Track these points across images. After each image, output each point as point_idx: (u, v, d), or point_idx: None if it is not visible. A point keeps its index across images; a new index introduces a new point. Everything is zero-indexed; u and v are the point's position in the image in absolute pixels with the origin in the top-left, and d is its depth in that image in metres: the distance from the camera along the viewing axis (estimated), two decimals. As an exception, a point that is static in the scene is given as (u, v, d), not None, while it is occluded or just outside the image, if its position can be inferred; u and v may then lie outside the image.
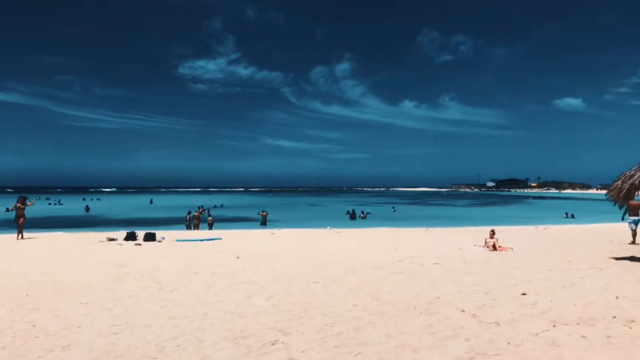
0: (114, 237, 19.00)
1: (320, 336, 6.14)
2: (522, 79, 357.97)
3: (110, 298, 8.45)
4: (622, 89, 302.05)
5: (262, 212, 37.06)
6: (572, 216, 42.07)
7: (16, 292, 8.91)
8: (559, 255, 13.56)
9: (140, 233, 19.32)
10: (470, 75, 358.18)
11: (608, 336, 5.88)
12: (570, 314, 7.02)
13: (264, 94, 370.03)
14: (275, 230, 22.88)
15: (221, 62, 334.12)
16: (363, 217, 40.96)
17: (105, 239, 18.35)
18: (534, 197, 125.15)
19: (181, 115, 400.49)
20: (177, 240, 18.36)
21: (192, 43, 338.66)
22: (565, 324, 6.46)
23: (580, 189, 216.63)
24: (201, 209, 35.24)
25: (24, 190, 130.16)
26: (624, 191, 12.29)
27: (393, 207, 58.63)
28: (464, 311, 7.29)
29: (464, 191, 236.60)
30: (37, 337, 6.27)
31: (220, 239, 18.93)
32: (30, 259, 13.38)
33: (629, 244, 16.46)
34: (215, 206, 60.27)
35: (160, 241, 18.25)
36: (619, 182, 12.46)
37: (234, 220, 39.45)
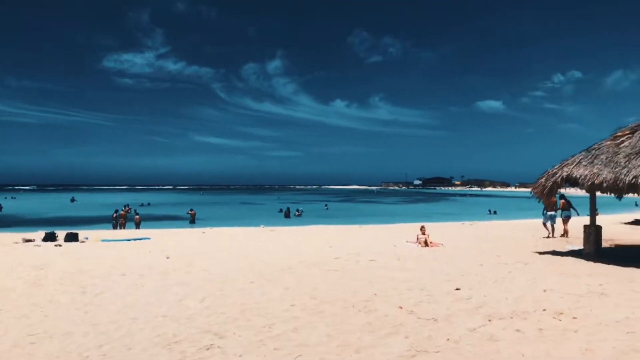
0: (31, 237, 17.69)
1: (258, 338, 5.90)
2: (447, 81, 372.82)
3: (27, 304, 7.77)
4: (538, 93, 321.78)
5: (191, 210, 36.11)
6: (495, 212, 44.16)
7: None
8: (487, 250, 14.05)
9: (61, 233, 18.13)
10: (399, 76, 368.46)
11: (540, 329, 6.05)
12: (503, 308, 7.21)
13: (194, 90, 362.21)
14: (207, 229, 22.28)
15: (149, 56, 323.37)
16: (298, 215, 40.89)
17: (21, 240, 17.06)
18: (458, 195, 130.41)
19: (106, 110, 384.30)
20: (102, 241, 17.40)
21: (118, 35, 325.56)
22: (499, 318, 6.60)
23: (501, 187, 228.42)
24: (127, 208, 33.79)
25: None
26: (547, 188, 12.89)
27: (326, 205, 58.97)
28: (401, 308, 7.30)
29: (393, 189, 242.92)
30: (-61, 351, 5.61)
31: (148, 238, 18.15)
32: None
33: (545, 237, 17.50)
34: (142, 204, 58.05)
35: (83, 241, 17.21)
36: (543, 180, 13.06)
37: (162, 219, 38.15)
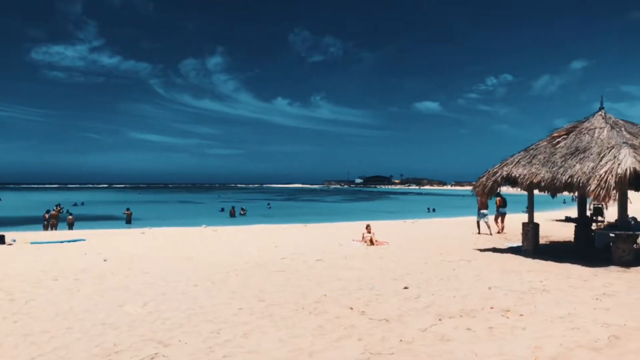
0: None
1: (207, 345, 5.62)
2: (386, 82, 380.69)
3: (-54, 315, 7.08)
4: (472, 95, 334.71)
5: (127, 210, 34.76)
6: (434, 210, 45.31)
7: None
8: (430, 248, 14.27)
9: (-15, 235, 16.85)
10: (340, 76, 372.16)
11: (490, 327, 6.12)
12: (452, 306, 7.26)
13: (130, 85, 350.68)
14: (146, 230, 21.43)
15: (81, 49, 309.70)
16: (243, 214, 40.23)
17: (-62, 244, 15.73)
18: (398, 193, 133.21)
19: (35, 104, 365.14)
20: (32, 243, 16.31)
21: (48, 26, 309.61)
22: (450, 317, 6.64)
23: (438, 186, 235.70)
24: (59, 207, 32.04)
25: None
26: (488, 187, 13.23)
27: (269, 204, 58.53)
28: (352, 309, 7.20)
29: (335, 187, 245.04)
30: None
31: (83, 240, 17.21)
32: None
33: (477, 234, 18.34)
34: (75, 204, 55.30)
35: (10, 244, 16.05)
36: (484, 179, 13.39)
37: (97, 219, 36.46)
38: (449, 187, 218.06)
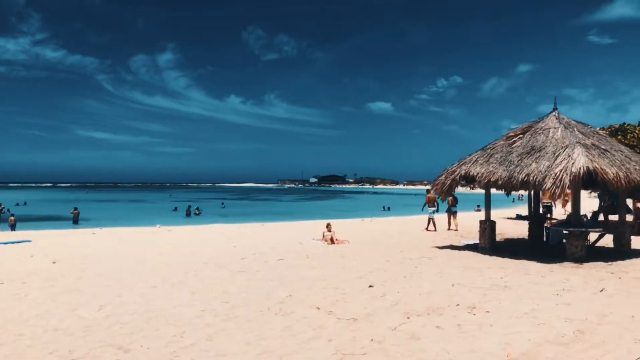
0: None
1: (170, 350, 5.35)
2: (340, 82, 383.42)
3: None
4: (423, 96, 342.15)
5: (75, 209, 33.38)
6: (389, 209, 45.87)
7: None
8: (390, 245, 14.34)
9: None
10: (294, 75, 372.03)
11: (459, 324, 6.12)
12: (419, 304, 7.25)
13: (77, 81, 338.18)
14: (97, 230, 20.60)
15: (24, 42, 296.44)
16: (198, 214, 39.38)
17: None
18: (353, 192, 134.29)
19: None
20: (-29, 245, 15.35)
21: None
22: (417, 315, 6.61)
23: (391, 185, 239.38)
24: (0, 207, 30.43)
25: None
26: (447, 186, 13.40)
27: (222, 203, 57.63)
28: (319, 308, 7.07)
29: (290, 186, 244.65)
30: None
31: (29, 241, 16.34)
32: None
33: (422, 230, 19.09)
34: (17, 204, 52.64)
35: (-53, 246, 15.06)
36: (443, 177, 13.56)
37: (41, 220, 34.82)
38: (401, 186, 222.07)
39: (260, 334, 5.88)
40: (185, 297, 7.90)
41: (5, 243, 15.77)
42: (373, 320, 6.38)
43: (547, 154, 11.71)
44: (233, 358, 5.10)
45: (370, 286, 8.57)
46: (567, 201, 22.27)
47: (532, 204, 15.67)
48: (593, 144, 11.76)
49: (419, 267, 10.54)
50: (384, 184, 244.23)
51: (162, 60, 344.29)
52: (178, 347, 5.43)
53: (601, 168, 10.79)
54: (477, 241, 14.06)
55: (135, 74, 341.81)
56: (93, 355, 5.23)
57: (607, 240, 13.53)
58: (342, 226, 19.86)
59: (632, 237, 13.20)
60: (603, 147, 11.87)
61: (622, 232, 12.71)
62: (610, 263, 10.86)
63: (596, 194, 23.92)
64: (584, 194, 15.00)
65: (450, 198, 19.10)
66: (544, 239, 14.74)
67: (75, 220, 32.08)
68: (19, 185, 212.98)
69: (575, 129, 12.37)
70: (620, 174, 11.00)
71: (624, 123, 20.00)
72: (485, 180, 12.47)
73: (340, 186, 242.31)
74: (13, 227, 26.03)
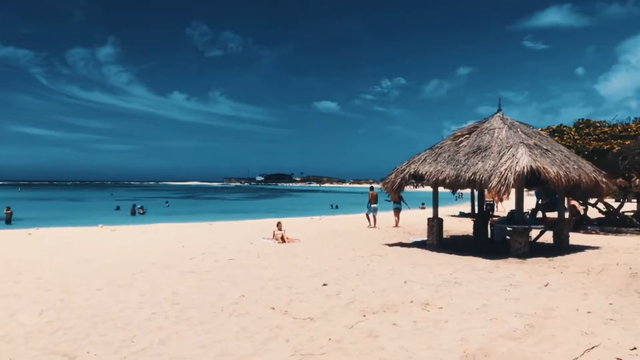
0: None
1: (120, 356, 5.10)
2: (286, 80, 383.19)
3: None
4: (368, 96, 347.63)
5: (7, 209, 31.55)
6: (337, 207, 46.14)
7: None
8: (341, 243, 14.40)
9: None
10: (239, 72, 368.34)
11: (414, 321, 6.19)
12: (374, 301, 7.28)
13: (9, 74, 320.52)
14: (33, 230, 19.51)
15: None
16: (142, 213, 38.09)
17: None
18: (300, 191, 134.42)
19: None
20: None
21: None
22: (373, 313, 6.63)
23: (337, 183, 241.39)
24: None
25: None
26: (397, 184, 13.60)
27: (167, 202, 56.16)
28: (274, 308, 6.97)
29: (236, 185, 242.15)
30: None
31: (-43, 243, 15.26)
32: None
33: (368, 227, 19.48)
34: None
35: None
36: (393, 176, 13.75)
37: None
38: (348, 184, 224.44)
39: (215, 336, 5.71)
40: (133, 299, 7.59)
41: None
42: (330, 319, 6.35)
43: (492, 153, 12.09)
44: (188, 362, 4.93)
45: (324, 285, 8.54)
46: (502, 199, 23.22)
47: (477, 202, 16.14)
48: (535, 144, 12.24)
49: (371, 265, 10.62)
50: (331, 183, 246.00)
51: (101, 54, 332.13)
52: (129, 353, 5.19)
53: (543, 167, 11.25)
54: (425, 238, 14.37)
55: (72, 68, 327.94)
56: (36, 364, 4.91)
57: (547, 237, 14.14)
58: (292, 225, 19.76)
59: (570, 233, 13.85)
60: (544, 147, 12.39)
61: (561, 229, 13.32)
62: (551, 258, 11.34)
63: (533, 192, 25.05)
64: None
65: (395, 196, 19.52)
66: (489, 236, 15.23)
67: (8, 221, 30.28)
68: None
69: (518, 130, 12.83)
70: (561, 172, 11.51)
71: (561, 124, 20.93)
72: (434, 179, 12.74)
73: (287, 185, 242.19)
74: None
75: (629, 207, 25.01)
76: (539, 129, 15.25)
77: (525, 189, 12.95)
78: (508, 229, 12.43)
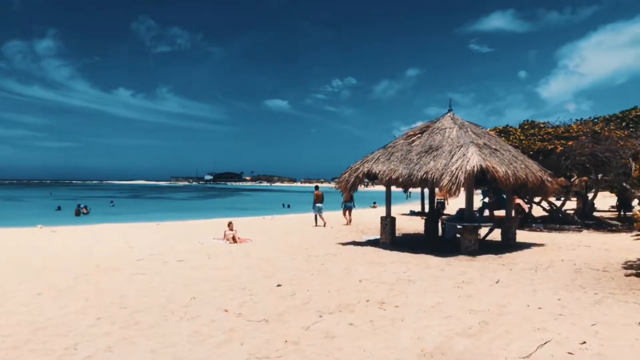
0: None
1: (63, 365, 4.78)
2: (236, 78, 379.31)
3: None
4: (319, 96, 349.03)
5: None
6: (288, 206, 45.91)
7: None
8: (294, 243, 14.26)
9: None
10: (188, 69, 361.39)
11: (371, 321, 6.14)
12: (329, 301, 7.19)
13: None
14: (-36, 232, 18.32)
15: None
16: (86, 213, 36.51)
17: None
18: (250, 190, 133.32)
19: None
20: None
21: None
22: (330, 313, 6.54)
23: (289, 183, 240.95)
24: None
25: None
26: (351, 183, 13.60)
27: (112, 201, 54.25)
28: (227, 311, 6.76)
29: (184, 184, 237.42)
30: None
31: None
32: None
33: (313, 226, 19.71)
34: None
35: None
36: (347, 175, 13.74)
37: None
38: (299, 183, 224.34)
39: (165, 341, 5.46)
40: (76, 304, 7.18)
41: None
42: (285, 321, 6.21)
43: (444, 152, 12.28)
44: (137, 370, 4.67)
45: (278, 285, 8.39)
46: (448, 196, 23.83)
47: (428, 201, 16.39)
48: (485, 144, 12.52)
49: (326, 264, 10.55)
50: (282, 182, 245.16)
51: (40, 47, 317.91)
52: (72, 361, 4.87)
53: (492, 166, 11.51)
54: (378, 237, 14.45)
55: (9, 61, 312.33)
56: (-33, 376, 4.53)
57: (495, 235, 14.53)
58: (243, 224, 19.46)
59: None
60: (493, 146, 12.69)
61: (509, 227, 13.70)
62: (500, 255, 11.63)
63: (479, 191, 25.79)
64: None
65: (346, 194, 19.62)
66: (439, 234, 15.49)
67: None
68: None
69: (468, 130, 13.09)
70: (509, 172, 11.81)
71: (507, 125, 21.61)
72: (387, 178, 12.81)
73: (237, 184, 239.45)
74: None
75: (570, 205, 26.18)
76: (487, 129, 15.62)
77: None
78: (458, 226, 12.65)
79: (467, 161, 11.52)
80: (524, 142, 18.82)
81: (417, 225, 19.24)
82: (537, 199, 20.90)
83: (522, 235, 15.21)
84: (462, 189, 11.65)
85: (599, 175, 19.21)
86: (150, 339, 5.53)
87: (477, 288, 8.06)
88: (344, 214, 21.01)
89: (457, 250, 12.00)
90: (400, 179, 12.61)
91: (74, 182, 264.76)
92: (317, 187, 21.77)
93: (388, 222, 13.75)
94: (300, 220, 23.64)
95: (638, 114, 20.97)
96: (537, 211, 22.09)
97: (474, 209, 12.86)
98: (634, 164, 15.19)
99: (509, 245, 13.33)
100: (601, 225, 19.15)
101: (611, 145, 17.11)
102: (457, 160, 11.73)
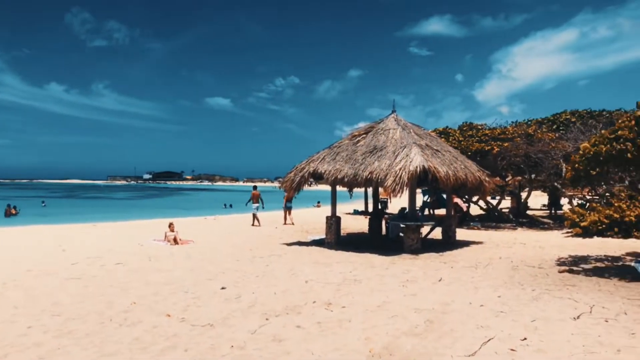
0: None
1: (-11, 380, 4.44)
2: (177, 75, 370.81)
3: None
4: (262, 94, 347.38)
5: None
6: (231, 206, 45.25)
7: None
8: (238, 244, 14.03)
9: None
10: (126, 64, 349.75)
11: (318, 322, 6.09)
12: (275, 304, 7.09)
13: None
14: None
15: None
16: (15, 214, 34.36)
17: None
18: (191, 189, 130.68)
19: None
20: None
21: None
22: (276, 316, 6.44)
23: (231, 182, 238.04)
24: None
25: None
26: (296, 182, 13.53)
27: (43, 202, 51.55)
28: (169, 315, 6.52)
29: (122, 183, 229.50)
30: None
31: None
32: None
33: (251, 225, 19.80)
34: None
35: None
36: (292, 175, 13.66)
37: None
38: (241, 183, 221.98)
39: (103, 350, 5.18)
40: (4, 312, 6.70)
41: None
42: (231, 325, 6.05)
43: (388, 153, 12.44)
44: (73, 382, 4.39)
45: (222, 288, 8.19)
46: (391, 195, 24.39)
47: (372, 200, 16.58)
48: (427, 145, 12.79)
49: (271, 265, 10.42)
50: (224, 181, 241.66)
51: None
52: (0, 375, 4.53)
53: (434, 167, 11.78)
54: (323, 236, 14.46)
55: None
56: None
57: (435, 233, 14.89)
58: (184, 225, 18.96)
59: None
60: (435, 147, 12.99)
61: (449, 225, 14.08)
62: (441, 253, 11.92)
63: (420, 190, 26.44)
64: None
65: (287, 194, 19.61)
66: (383, 233, 15.70)
67: None
68: None
69: (411, 131, 13.33)
70: (450, 172, 12.13)
71: (447, 127, 22.24)
72: (333, 178, 12.84)
73: (178, 183, 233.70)
74: None
75: (505, 204, 27.29)
76: (429, 131, 15.98)
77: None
78: (402, 225, 12.86)
79: (410, 162, 11.72)
80: (462, 143, 19.42)
81: (361, 225, 19.44)
82: (474, 198, 21.62)
83: (461, 234, 15.68)
84: (405, 189, 11.85)
85: (532, 175, 20.13)
86: (87, 348, 5.23)
87: (421, 286, 8.20)
88: (285, 213, 21.04)
89: (401, 249, 12.19)
90: (346, 179, 12.66)
91: (2, 181, 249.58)
92: (255, 187, 21.67)
93: (333, 221, 13.79)
94: (243, 221, 23.32)
95: (567, 117, 22.14)
96: (474, 210, 22.86)
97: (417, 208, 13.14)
98: (564, 164, 16.01)
99: (449, 243, 13.69)
100: (534, 224, 20.07)
101: (543, 146, 17.97)
102: (400, 160, 11.91)
